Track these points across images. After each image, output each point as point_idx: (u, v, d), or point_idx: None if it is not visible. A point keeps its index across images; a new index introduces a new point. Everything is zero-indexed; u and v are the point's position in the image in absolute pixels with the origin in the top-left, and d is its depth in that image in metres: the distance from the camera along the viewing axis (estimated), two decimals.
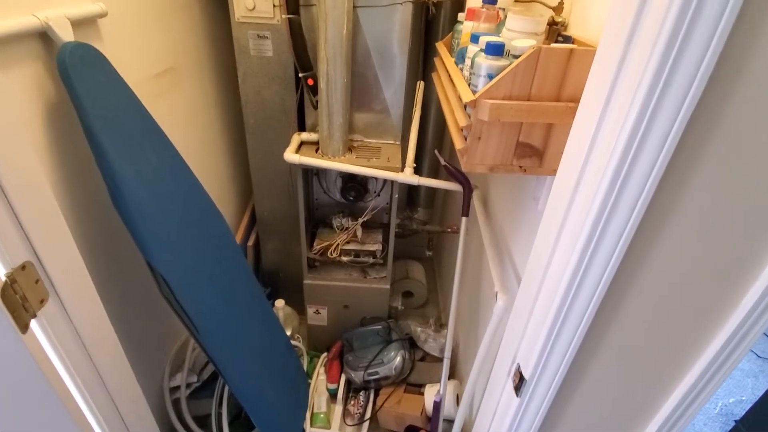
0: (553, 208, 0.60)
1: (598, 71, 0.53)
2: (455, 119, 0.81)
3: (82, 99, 0.75)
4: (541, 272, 0.61)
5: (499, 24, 0.87)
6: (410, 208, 1.96)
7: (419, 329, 1.61)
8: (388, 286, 1.57)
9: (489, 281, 1.19)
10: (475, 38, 0.77)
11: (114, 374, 0.86)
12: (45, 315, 0.67)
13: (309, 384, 1.57)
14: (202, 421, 1.30)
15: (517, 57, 0.69)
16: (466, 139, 0.74)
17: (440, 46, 1.08)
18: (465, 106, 0.76)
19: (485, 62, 0.68)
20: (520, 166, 0.74)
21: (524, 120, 0.68)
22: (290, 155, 1.27)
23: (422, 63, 1.33)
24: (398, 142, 1.42)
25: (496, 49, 0.68)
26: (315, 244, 1.52)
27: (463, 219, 1.26)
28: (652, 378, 0.66)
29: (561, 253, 0.55)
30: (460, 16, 1.01)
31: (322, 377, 1.60)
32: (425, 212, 2.12)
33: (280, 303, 1.64)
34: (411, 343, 1.63)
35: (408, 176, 1.25)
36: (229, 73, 1.58)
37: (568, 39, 0.74)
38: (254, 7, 1.22)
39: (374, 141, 1.42)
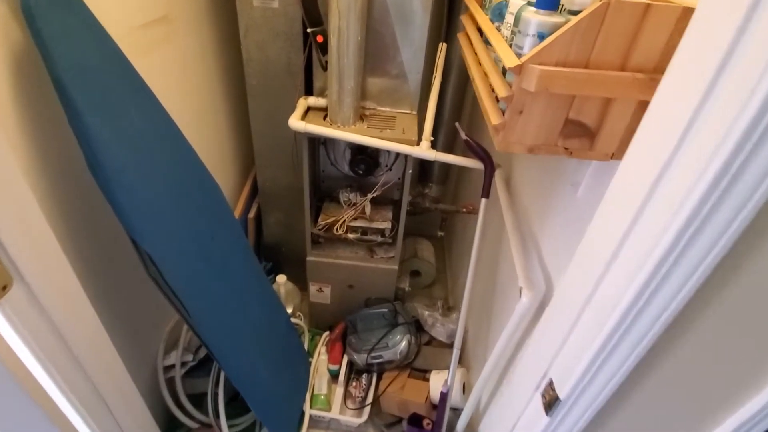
0: (617, 200, 0.49)
1: (705, 27, 0.40)
2: (489, 88, 0.69)
3: (49, 45, 0.64)
4: (594, 277, 0.50)
5: None
6: (422, 183, 1.85)
7: (426, 313, 1.53)
8: (396, 267, 1.48)
9: (507, 269, 1.09)
10: None
11: (95, 359, 0.78)
12: (9, 302, 0.58)
13: (310, 363, 1.51)
14: (198, 399, 1.24)
15: (575, 13, 0.56)
16: (503, 113, 0.62)
17: (470, 1, 0.94)
18: (504, 72, 0.64)
19: (536, 18, 0.55)
20: (566, 148, 0.62)
21: (579, 92, 0.56)
22: (295, 122, 1.15)
23: (446, 22, 1.18)
24: (414, 112, 1.29)
25: (550, 2, 0.55)
26: (320, 219, 1.42)
27: (483, 200, 1.15)
28: (703, 411, 0.57)
29: (629, 257, 0.45)
30: None
31: (324, 357, 1.54)
32: (438, 188, 2.00)
33: (281, 279, 1.57)
34: (417, 327, 1.55)
35: (424, 151, 1.13)
36: (230, 26, 1.44)
37: None
38: None
39: (388, 109, 1.29)
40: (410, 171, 1.24)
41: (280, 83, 1.29)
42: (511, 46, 0.62)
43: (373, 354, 1.43)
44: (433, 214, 1.55)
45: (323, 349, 1.56)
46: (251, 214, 1.60)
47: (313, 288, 1.57)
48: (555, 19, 0.55)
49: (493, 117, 0.62)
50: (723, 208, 0.37)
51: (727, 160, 0.35)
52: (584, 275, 0.53)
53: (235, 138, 1.62)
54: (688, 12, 0.50)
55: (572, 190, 0.77)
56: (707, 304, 0.46)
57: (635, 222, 0.43)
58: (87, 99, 0.67)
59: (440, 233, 1.52)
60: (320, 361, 1.53)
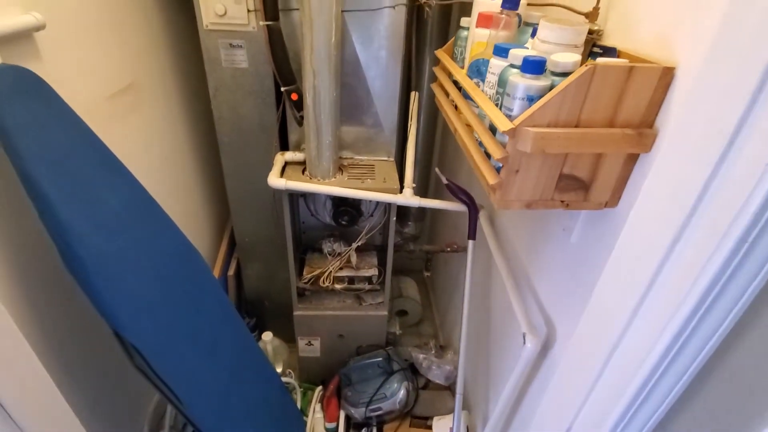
0: (635, 248, 0.50)
1: (713, 81, 0.43)
2: (477, 148, 0.70)
3: (14, 138, 0.59)
4: (619, 326, 0.50)
5: (520, 31, 0.76)
6: (400, 222, 1.85)
7: (421, 356, 1.50)
8: (385, 313, 1.45)
9: (501, 309, 1.09)
10: (501, 51, 0.65)
11: None
12: None
13: (305, 423, 1.43)
14: None
15: (559, 75, 0.58)
16: (498, 172, 0.62)
17: (442, 55, 0.97)
18: (492, 130, 0.65)
19: (523, 82, 0.57)
20: (562, 201, 0.63)
21: (574, 150, 0.57)
22: (275, 180, 1.12)
23: (416, 70, 1.21)
24: (392, 158, 1.30)
25: (535, 67, 0.57)
26: (305, 272, 1.38)
27: (470, 243, 1.15)
28: None
29: (659, 304, 0.45)
30: (464, 20, 0.89)
31: (319, 415, 1.46)
32: (416, 225, 2.00)
33: (267, 336, 1.50)
34: (412, 369, 1.51)
35: (408, 198, 1.13)
36: (199, 87, 1.41)
37: (610, 51, 0.63)
38: (225, 13, 1.06)
39: (366, 158, 1.29)
40: (394, 218, 1.24)
41: (253, 139, 1.27)
42: (499, 107, 0.63)
43: (371, 407, 1.38)
44: (417, 253, 1.54)
45: (318, 407, 1.49)
46: (231, 272, 1.53)
47: (301, 342, 1.51)
48: (541, 82, 0.57)
49: (488, 176, 0.62)
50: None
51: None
52: (606, 322, 0.53)
53: (209, 195, 1.57)
54: (668, 71, 0.53)
55: (565, 234, 0.78)
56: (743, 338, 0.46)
57: (663, 263, 0.44)
58: (58, 189, 0.62)
59: (426, 273, 1.51)
60: (316, 420, 1.45)
